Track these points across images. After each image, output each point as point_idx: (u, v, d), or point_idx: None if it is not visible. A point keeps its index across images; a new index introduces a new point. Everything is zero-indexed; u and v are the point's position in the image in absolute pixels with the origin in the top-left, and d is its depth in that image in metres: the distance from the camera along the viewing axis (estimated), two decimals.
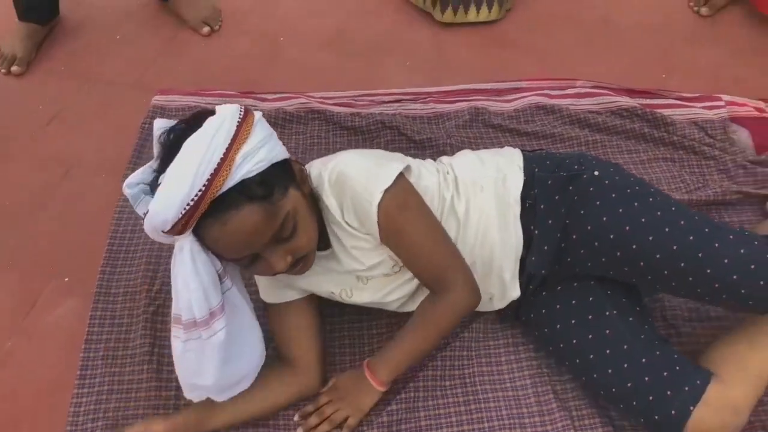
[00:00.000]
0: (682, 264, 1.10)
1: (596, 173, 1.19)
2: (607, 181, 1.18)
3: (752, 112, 1.74)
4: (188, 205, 0.94)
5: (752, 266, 1.07)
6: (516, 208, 1.20)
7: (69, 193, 1.63)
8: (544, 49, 1.96)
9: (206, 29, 2.00)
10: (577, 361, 1.20)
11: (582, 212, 1.17)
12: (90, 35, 2.02)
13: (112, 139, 1.73)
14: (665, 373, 1.11)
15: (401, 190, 1.10)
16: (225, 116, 0.98)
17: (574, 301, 1.21)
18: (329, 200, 1.12)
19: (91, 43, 2.00)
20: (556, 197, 1.19)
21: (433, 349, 1.23)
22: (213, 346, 1.05)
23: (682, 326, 1.34)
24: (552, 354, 1.28)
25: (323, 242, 1.16)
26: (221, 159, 0.95)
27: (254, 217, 0.98)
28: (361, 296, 1.23)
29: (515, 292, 1.23)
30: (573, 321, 1.20)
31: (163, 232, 0.97)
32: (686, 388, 1.09)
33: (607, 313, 1.18)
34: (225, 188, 0.96)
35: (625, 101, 1.74)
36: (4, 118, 1.80)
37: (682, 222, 1.12)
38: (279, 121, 1.73)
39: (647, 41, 1.97)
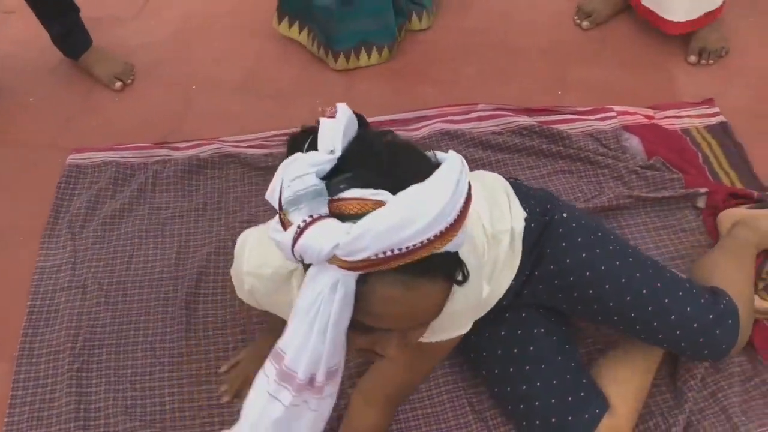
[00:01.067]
0: (633, 314, 1.21)
1: (564, 215, 1.25)
2: (573, 224, 1.24)
3: (642, 119, 1.85)
4: (404, 248, 0.72)
5: (695, 324, 1.20)
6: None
7: None
8: (447, 78, 2.05)
9: (118, 84, 2.04)
10: (496, 371, 1.25)
11: (548, 251, 1.22)
12: (2, 100, 2.03)
13: (28, 201, 1.75)
14: (570, 398, 1.18)
15: None
16: (460, 169, 0.76)
17: (507, 314, 1.25)
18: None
19: (3, 107, 2.01)
20: (532, 239, 1.21)
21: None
22: (311, 416, 0.90)
23: None
24: (471, 361, 1.33)
25: None
26: (455, 219, 0.75)
27: (440, 296, 0.80)
28: None
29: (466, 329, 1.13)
30: (502, 333, 1.25)
31: (335, 257, 0.74)
32: (586, 416, 1.17)
33: (535, 331, 1.25)
34: (440, 250, 0.76)
35: (524, 120, 1.84)
36: None
37: (638, 274, 1.22)
38: (193, 168, 1.78)
39: (543, 62, 2.08)
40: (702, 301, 1.24)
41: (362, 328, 0.81)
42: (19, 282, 1.56)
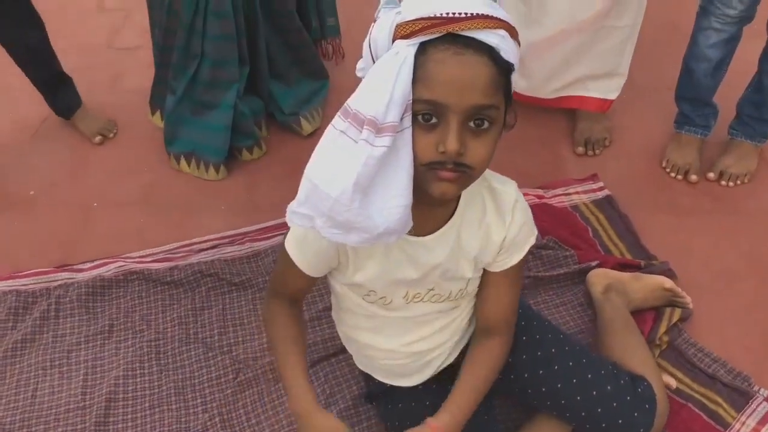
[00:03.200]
0: (559, 385, 1.31)
1: (535, 323, 1.37)
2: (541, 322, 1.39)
3: (534, 200, 1.95)
4: (447, 14, 0.92)
5: (614, 404, 1.30)
6: None
7: None
8: None
9: (98, 138, 2.20)
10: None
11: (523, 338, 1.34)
12: None
13: None
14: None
15: None
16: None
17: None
18: (507, 188, 1.16)
19: None
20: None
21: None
22: (366, 156, 0.93)
23: None
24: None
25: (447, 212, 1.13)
26: (500, 16, 0.95)
27: (486, 70, 0.94)
28: (409, 309, 1.22)
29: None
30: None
31: (396, 25, 0.94)
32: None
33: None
34: (479, 35, 0.92)
35: None
36: None
37: (566, 348, 1.35)
38: (97, 290, 1.75)
39: None
40: (621, 382, 1.33)
41: (424, 113, 0.94)
42: None
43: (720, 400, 1.48)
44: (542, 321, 1.41)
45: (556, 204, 1.95)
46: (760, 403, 1.48)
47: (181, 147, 2.11)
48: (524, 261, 1.21)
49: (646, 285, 1.66)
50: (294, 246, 1.15)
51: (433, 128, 0.95)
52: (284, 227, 1.87)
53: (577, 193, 1.99)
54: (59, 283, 1.78)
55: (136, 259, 1.84)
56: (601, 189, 2.00)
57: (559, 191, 2.00)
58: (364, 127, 0.92)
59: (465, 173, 0.98)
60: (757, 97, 1.96)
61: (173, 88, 2.06)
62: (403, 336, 1.25)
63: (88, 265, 1.83)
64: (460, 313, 1.27)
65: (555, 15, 1.96)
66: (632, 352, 1.46)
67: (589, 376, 1.31)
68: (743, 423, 1.45)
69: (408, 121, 0.94)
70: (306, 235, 1.11)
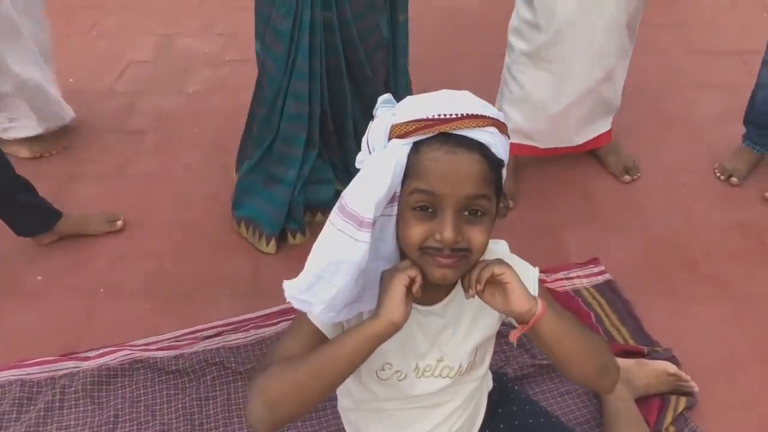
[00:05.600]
0: None
1: (512, 396, 1.42)
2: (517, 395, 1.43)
3: None
4: (439, 116, 0.98)
5: None
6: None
7: None
8: None
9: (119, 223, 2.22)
10: None
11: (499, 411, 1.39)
12: None
13: None
14: None
15: None
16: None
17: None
18: (499, 246, 1.18)
19: None
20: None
21: None
22: (363, 251, 0.99)
23: None
24: None
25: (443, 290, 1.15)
26: (490, 114, 1.01)
27: (478, 167, 1.00)
28: (419, 386, 1.21)
29: None
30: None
31: (392, 125, 1.01)
32: None
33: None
34: (470, 134, 0.99)
35: None
36: None
37: None
38: (103, 379, 1.75)
39: None
40: None
41: (420, 206, 1.00)
42: None
43: None
44: (519, 394, 1.44)
45: (558, 288, 1.97)
46: None
47: (245, 212, 2.20)
48: (545, 290, 1.20)
49: (650, 371, 1.66)
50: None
51: (429, 218, 1.01)
52: (289, 312, 1.90)
53: (578, 277, 2.02)
54: (64, 372, 1.78)
55: (141, 347, 1.85)
56: (602, 273, 2.02)
57: (560, 275, 2.02)
58: (362, 225, 0.98)
59: (464, 257, 1.03)
60: None
61: (250, 155, 2.19)
62: (412, 425, 1.26)
63: (94, 353, 1.84)
64: (471, 399, 1.28)
65: (576, 82, 2.17)
66: None
67: None
68: None
69: (394, 210, 1.02)
70: None
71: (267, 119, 2.09)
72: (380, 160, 0.99)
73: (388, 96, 1.08)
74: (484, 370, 1.27)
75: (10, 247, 2.18)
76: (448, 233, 0.99)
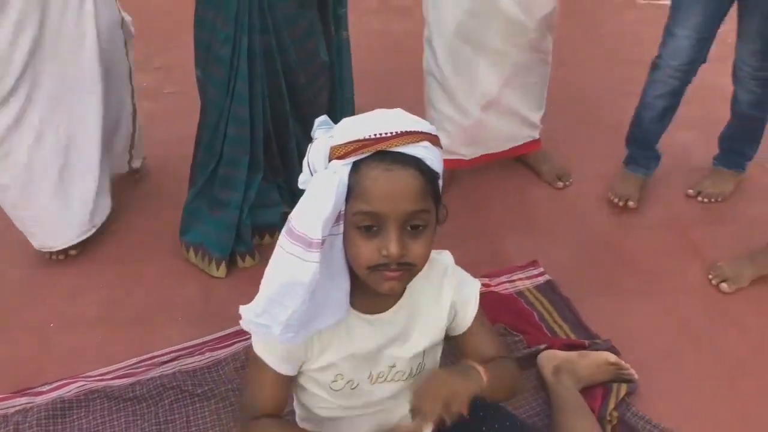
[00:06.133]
0: None
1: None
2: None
3: (481, 289, 2.05)
4: (375, 135, 1.05)
5: None
6: None
7: None
8: None
9: None
10: None
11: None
12: None
13: None
14: None
15: None
16: None
17: None
18: (442, 257, 1.28)
19: None
20: None
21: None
22: (313, 271, 1.05)
23: None
24: None
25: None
26: (422, 129, 1.09)
27: (414, 182, 1.06)
28: (375, 392, 1.28)
29: None
30: None
31: (331, 147, 1.07)
32: None
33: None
34: (406, 150, 1.06)
35: None
36: None
37: None
38: (58, 413, 1.74)
39: None
40: None
41: (364, 224, 1.07)
42: None
43: None
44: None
45: (502, 291, 2.06)
46: None
47: (192, 238, 2.22)
48: (481, 310, 1.32)
49: (592, 362, 1.75)
50: (263, 348, 1.21)
51: (374, 236, 1.08)
52: (242, 334, 1.93)
53: (520, 279, 2.11)
54: (17, 408, 1.77)
55: (97, 377, 1.85)
56: (542, 274, 2.12)
57: (503, 278, 2.11)
58: (311, 245, 1.04)
59: (408, 270, 1.12)
60: (731, 132, 2.40)
61: (195, 181, 2.22)
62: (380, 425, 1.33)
63: (47, 387, 1.83)
64: None
65: (478, 95, 2.32)
66: None
67: None
68: None
69: (340, 228, 1.09)
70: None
71: (210, 144, 2.14)
72: (323, 182, 1.05)
73: (324, 118, 1.15)
74: (436, 367, 1.34)
75: None
76: (394, 249, 1.06)
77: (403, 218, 1.07)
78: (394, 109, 1.13)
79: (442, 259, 1.29)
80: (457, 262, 1.32)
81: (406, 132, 1.06)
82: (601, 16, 3.98)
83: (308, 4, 2.04)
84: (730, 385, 1.79)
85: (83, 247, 2.30)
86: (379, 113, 1.11)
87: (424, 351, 1.28)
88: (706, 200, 2.41)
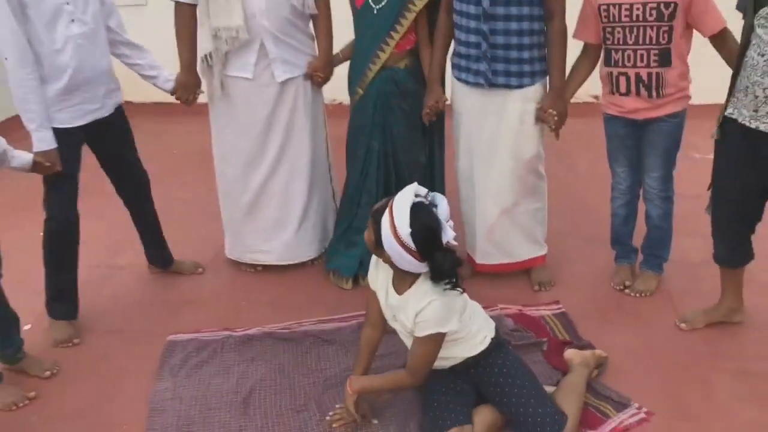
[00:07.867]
0: (514, 395, 2.35)
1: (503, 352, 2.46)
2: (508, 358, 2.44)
3: (515, 311, 3.08)
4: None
5: (538, 418, 2.30)
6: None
7: None
8: None
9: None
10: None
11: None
12: None
13: None
14: (548, 409, 2.30)
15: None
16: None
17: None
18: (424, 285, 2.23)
19: None
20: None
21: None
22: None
23: None
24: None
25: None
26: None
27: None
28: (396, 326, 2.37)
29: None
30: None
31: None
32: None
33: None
34: None
35: None
36: None
37: (525, 371, 2.41)
38: (246, 341, 2.95)
39: None
40: (548, 408, 2.34)
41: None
42: None
43: (609, 407, 2.49)
44: (508, 351, 2.47)
45: (530, 314, 3.09)
46: (632, 410, 2.48)
47: (332, 266, 3.44)
48: (431, 340, 2.22)
49: (590, 354, 2.68)
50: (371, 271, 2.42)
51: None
52: (356, 317, 3.07)
53: (544, 310, 3.13)
54: (222, 337, 2.99)
55: (270, 328, 3.05)
56: (560, 308, 3.14)
57: (532, 309, 3.15)
58: None
59: None
60: (648, 242, 3.21)
61: (337, 230, 3.49)
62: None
63: (240, 329, 3.05)
64: None
65: (488, 199, 3.20)
66: (570, 403, 2.44)
67: (533, 392, 2.34)
68: (619, 418, 2.45)
69: None
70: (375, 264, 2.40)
71: (349, 208, 3.41)
72: None
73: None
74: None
75: None
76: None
77: None
78: None
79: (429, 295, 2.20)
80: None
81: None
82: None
83: (414, 127, 3.30)
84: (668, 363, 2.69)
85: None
86: None
87: (415, 317, 2.21)
88: (636, 294, 3.17)
